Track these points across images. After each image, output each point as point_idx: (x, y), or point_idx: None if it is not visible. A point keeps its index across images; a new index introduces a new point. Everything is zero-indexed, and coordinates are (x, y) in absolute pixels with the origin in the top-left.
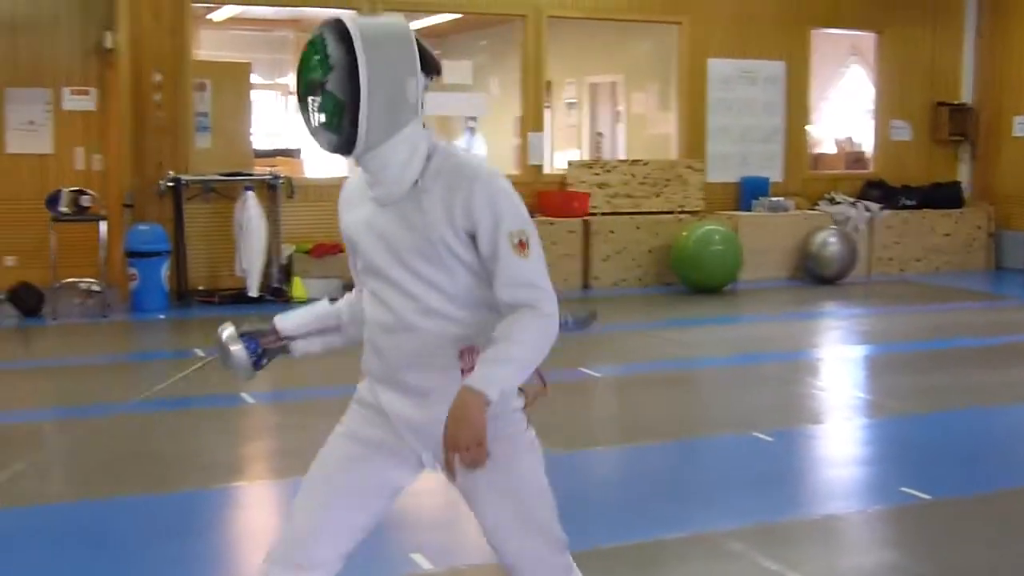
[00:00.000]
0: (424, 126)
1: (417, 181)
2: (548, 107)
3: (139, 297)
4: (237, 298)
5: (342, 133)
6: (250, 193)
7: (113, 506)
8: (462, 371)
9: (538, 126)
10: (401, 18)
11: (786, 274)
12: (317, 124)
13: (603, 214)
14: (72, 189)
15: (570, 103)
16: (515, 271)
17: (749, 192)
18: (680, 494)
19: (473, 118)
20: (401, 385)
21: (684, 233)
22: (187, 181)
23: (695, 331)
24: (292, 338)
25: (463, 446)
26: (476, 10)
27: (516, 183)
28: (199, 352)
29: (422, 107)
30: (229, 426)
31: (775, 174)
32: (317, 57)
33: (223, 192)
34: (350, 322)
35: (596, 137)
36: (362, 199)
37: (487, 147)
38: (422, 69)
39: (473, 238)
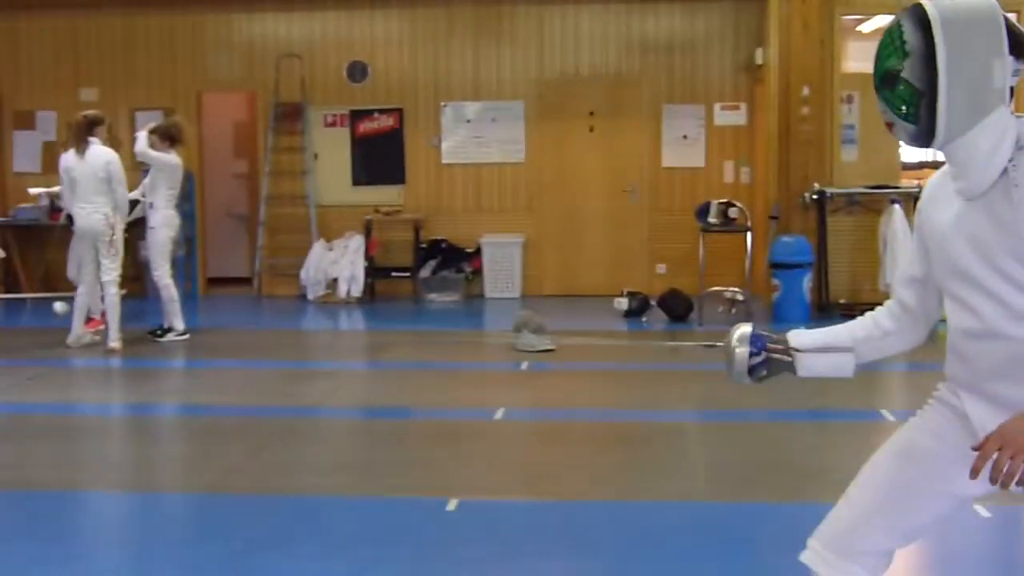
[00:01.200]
0: (1013, 112)
1: (1006, 171)
2: None
3: (781, 308)
4: None
5: (920, 123)
6: (896, 207)
7: (746, 510)
8: None
9: None
10: None
11: None
12: (895, 115)
13: None
14: (721, 201)
15: None
16: None
17: None
18: None
19: None
20: (989, 395)
21: None
22: (832, 194)
23: None
24: (799, 350)
25: (1009, 442)
26: None
27: None
28: None
29: (1012, 92)
30: (865, 442)
31: None
32: (893, 45)
33: (868, 205)
34: (865, 339)
35: None
36: (948, 196)
37: None
38: (1013, 51)
39: None
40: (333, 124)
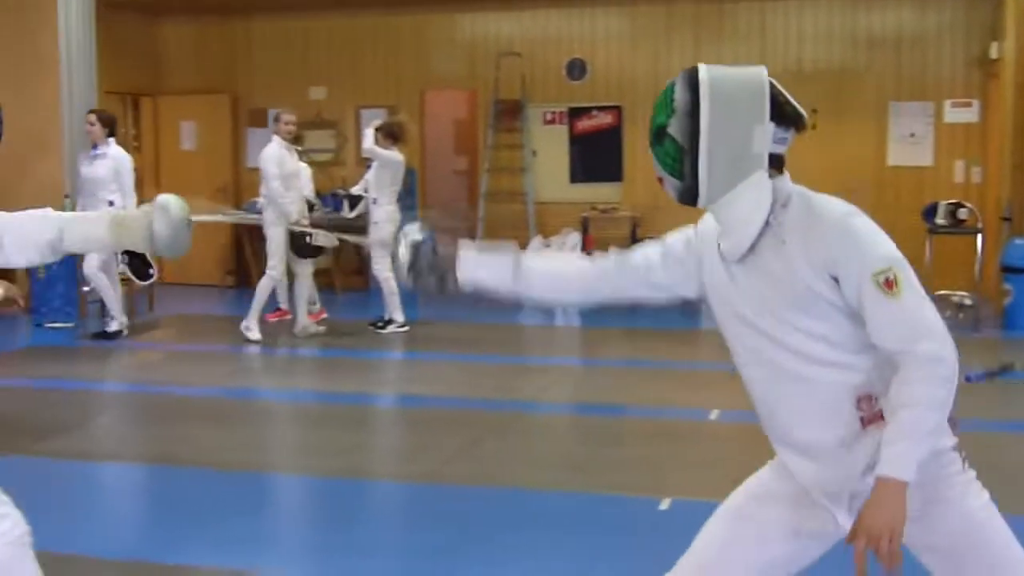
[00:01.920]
0: (775, 175)
1: (771, 228)
2: None
3: (1013, 314)
4: None
5: (685, 179)
6: None
7: None
8: (862, 420)
9: None
10: (761, 68)
11: None
12: (664, 170)
13: None
14: (950, 202)
15: None
16: (887, 314)
17: None
18: None
19: None
20: (800, 446)
21: None
22: None
23: None
24: (463, 254)
25: (875, 535)
26: None
27: None
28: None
29: (780, 159)
30: None
31: None
32: (665, 102)
33: None
34: (529, 268)
35: None
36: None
37: None
38: (779, 119)
39: (838, 282)
40: (552, 121)
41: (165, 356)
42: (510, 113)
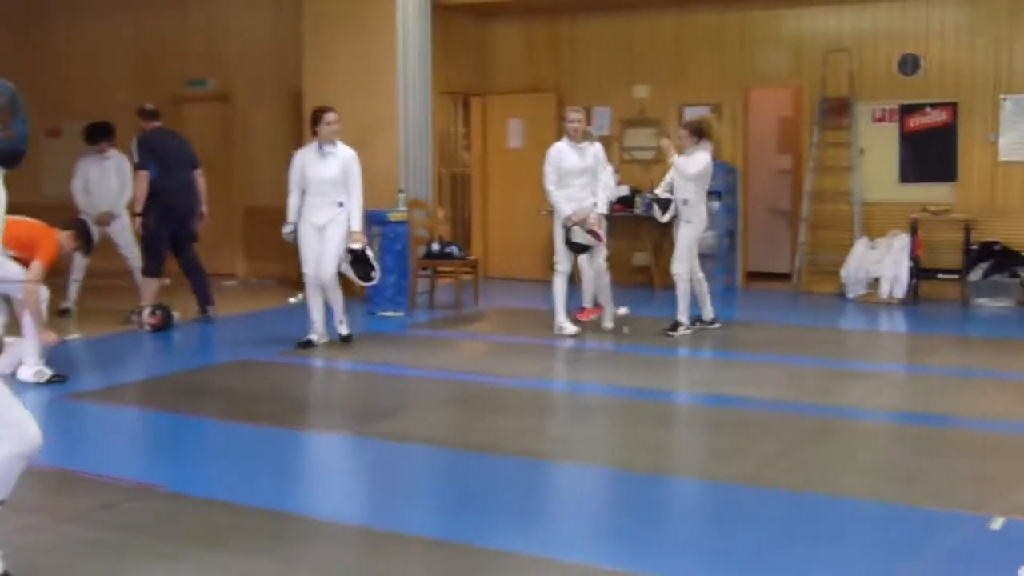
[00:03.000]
0: None
1: None
2: None
3: None
4: None
5: None
6: None
7: None
8: None
9: None
10: None
11: None
12: None
13: None
14: None
15: None
16: None
17: None
18: None
19: None
20: None
21: None
22: None
23: None
24: None
25: None
26: None
27: None
28: None
29: None
30: None
31: None
32: None
33: None
34: None
35: None
36: None
37: None
38: None
39: None
40: (881, 119)
41: (485, 347)
42: (837, 111)
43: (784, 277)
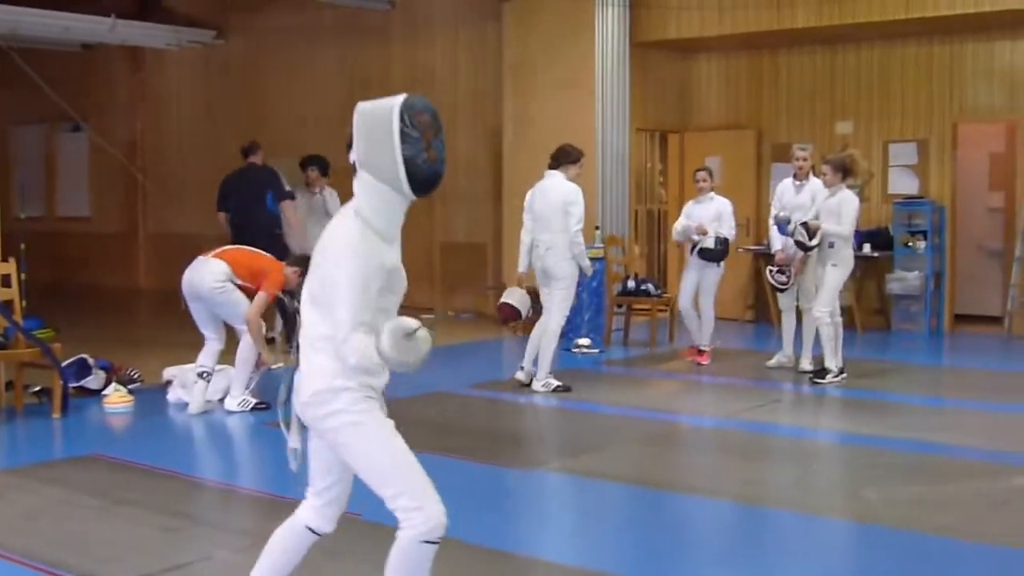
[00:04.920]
0: None
1: None
2: None
3: None
4: None
5: None
6: None
7: None
8: None
9: None
10: None
11: None
12: None
13: None
14: None
15: None
16: None
17: None
18: None
19: None
20: None
21: None
22: None
23: None
24: None
25: None
26: None
27: None
28: None
29: None
30: None
31: None
32: None
33: None
34: None
35: None
36: None
37: None
38: None
39: None
40: None
41: (680, 385)
42: None
43: (995, 320)
